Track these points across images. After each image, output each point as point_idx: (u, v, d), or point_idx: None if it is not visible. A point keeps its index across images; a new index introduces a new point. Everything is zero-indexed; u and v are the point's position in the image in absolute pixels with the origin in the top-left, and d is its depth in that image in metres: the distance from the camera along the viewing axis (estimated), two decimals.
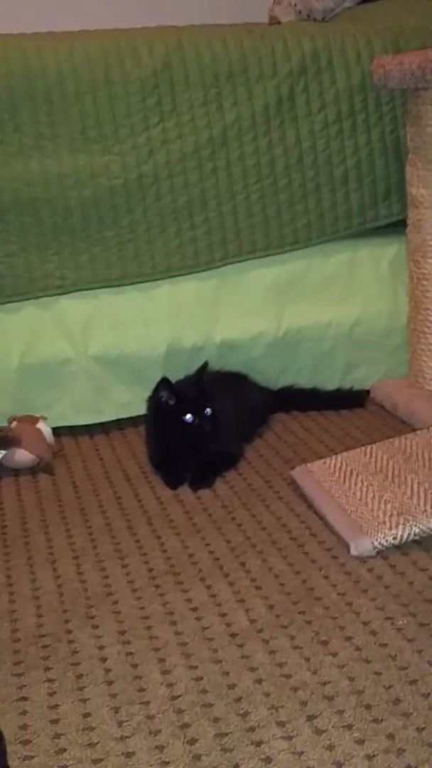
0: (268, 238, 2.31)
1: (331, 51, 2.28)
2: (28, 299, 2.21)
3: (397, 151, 2.33)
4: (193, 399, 1.92)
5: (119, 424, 2.28)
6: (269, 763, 1.05)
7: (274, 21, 3.02)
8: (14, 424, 2.11)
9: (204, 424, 1.89)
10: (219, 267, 2.30)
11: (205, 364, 1.97)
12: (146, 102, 2.19)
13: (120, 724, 1.14)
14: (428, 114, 2.10)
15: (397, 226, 2.36)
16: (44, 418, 2.14)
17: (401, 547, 1.55)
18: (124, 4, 3.23)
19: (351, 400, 2.35)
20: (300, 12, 2.89)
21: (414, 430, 2.14)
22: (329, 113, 2.28)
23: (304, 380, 2.38)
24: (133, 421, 2.27)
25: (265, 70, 2.24)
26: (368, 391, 2.37)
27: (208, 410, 1.89)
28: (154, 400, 1.99)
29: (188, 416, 1.89)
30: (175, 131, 2.21)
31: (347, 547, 1.56)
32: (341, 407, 2.33)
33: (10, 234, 2.17)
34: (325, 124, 2.28)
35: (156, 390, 1.97)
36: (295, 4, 2.91)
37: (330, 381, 2.39)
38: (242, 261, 2.31)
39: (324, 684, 1.18)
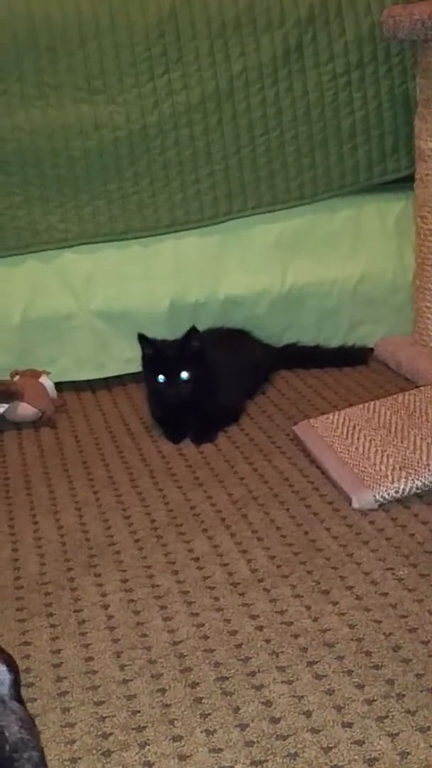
0: (273, 192, 2.28)
1: (340, 0, 2.23)
2: (30, 252, 2.20)
3: (407, 104, 2.29)
4: (170, 361, 1.90)
5: (121, 380, 2.28)
6: (269, 706, 1.06)
7: None
8: (17, 377, 2.11)
9: (180, 387, 1.88)
10: (224, 222, 2.27)
11: (192, 329, 1.94)
12: (152, 51, 2.15)
13: (122, 667, 1.15)
14: None
15: (404, 182, 2.33)
16: (47, 373, 2.14)
17: (403, 501, 1.55)
18: None
19: (354, 357, 2.34)
20: None
21: (417, 386, 2.13)
22: (338, 64, 2.24)
23: (308, 337, 2.36)
24: (135, 377, 2.26)
25: (273, 19, 2.20)
26: (371, 349, 2.36)
27: (184, 374, 1.88)
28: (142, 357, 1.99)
29: (160, 377, 1.89)
30: (180, 82, 2.17)
31: (349, 501, 1.56)
32: (344, 365, 2.32)
33: (12, 186, 2.15)
34: (333, 76, 2.24)
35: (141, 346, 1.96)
36: None
37: (334, 338, 2.38)
38: (247, 216, 2.28)
39: (324, 631, 1.19)
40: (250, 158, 2.25)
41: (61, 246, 2.21)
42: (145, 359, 1.97)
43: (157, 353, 1.93)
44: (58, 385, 2.16)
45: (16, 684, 0.74)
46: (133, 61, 2.14)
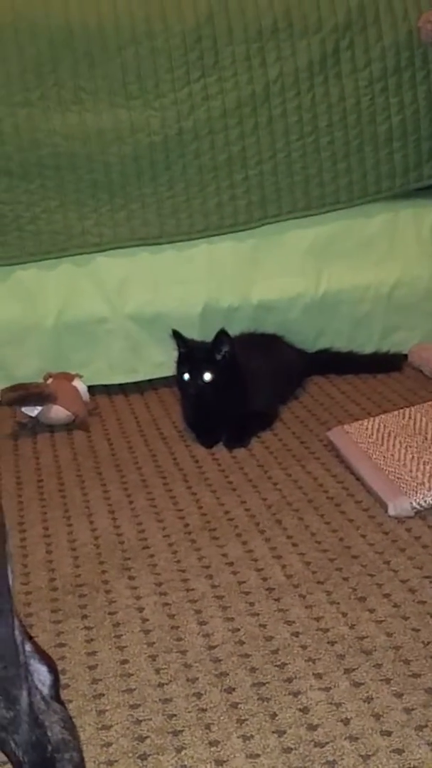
0: (308, 197, 2.27)
1: (378, 5, 2.22)
2: (65, 256, 2.20)
3: None
4: (197, 360, 1.90)
5: (153, 384, 2.28)
6: (306, 713, 1.05)
7: None
8: (50, 380, 2.12)
9: (201, 388, 1.88)
10: (258, 227, 2.27)
11: (221, 332, 1.93)
12: (188, 56, 2.15)
13: (157, 671, 1.14)
14: None
15: None
16: (80, 376, 2.14)
17: None
18: None
19: (388, 363, 2.32)
20: None
21: None
22: (374, 69, 2.23)
23: (341, 343, 2.35)
24: (167, 382, 2.26)
25: (310, 25, 2.19)
26: (406, 355, 2.34)
27: (207, 375, 1.88)
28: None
29: (185, 375, 1.89)
30: (216, 86, 2.17)
31: (385, 508, 1.54)
32: (378, 371, 2.30)
33: (48, 190, 2.16)
34: (369, 81, 2.23)
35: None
36: None
37: (367, 344, 2.36)
38: (281, 221, 2.28)
39: (361, 638, 1.18)
40: (285, 163, 2.24)
41: (95, 250, 2.21)
42: (178, 358, 1.96)
43: (188, 351, 1.93)
44: (91, 389, 2.16)
45: (56, 685, 0.74)
46: (169, 66, 2.15)
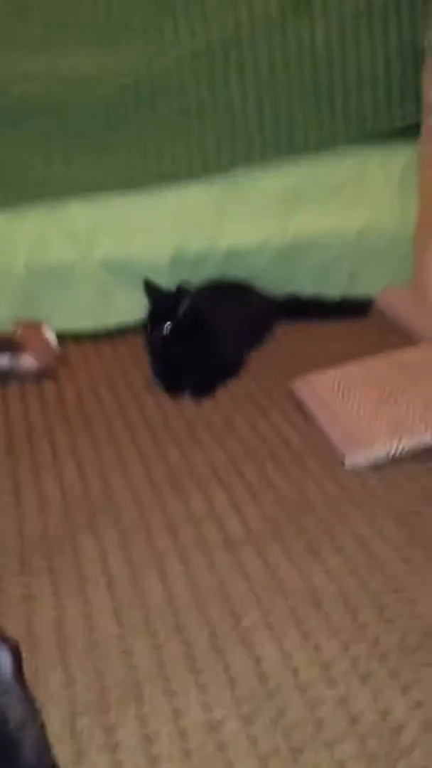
0: (278, 142, 2.26)
1: None
2: (35, 203, 2.20)
3: (415, 54, 2.24)
4: (160, 314, 1.94)
5: (122, 332, 2.30)
6: (259, 664, 1.12)
7: None
8: (20, 329, 2.13)
9: (165, 341, 1.93)
10: (227, 172, 2.26)
11: (181, 287, 1.96)
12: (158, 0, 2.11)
13: (121, 624, 1.20)
14: None
15: (409, 135, 2.30)
16: (47, 327, 2.16)
17: (395, 461, 1.59)
18: None
19: (356, 309, 2.36)
20: None
21: (415, 343, 2.15)
22: (346, 13, 2.20)
23: (309, 288, 2.38)
24: (135, 328, 2.28)
25: None
26: (372, 301, 2.37)
27: (167, 328, 1.93)
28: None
29: (149, 327, 1.95)
30: (187, 30, 2.14)
31: (342, 459, 1.60)
32: (346, 316, 2.34)
33: (18, 136, 2.13)
34: (342, 24, 2.20)
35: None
36: None
37: (335, 289, 2.39)
38: (251, 166, 2.27)
39: (313, 590, 1.24)
40: (255, 107, 2.23)
41: (65, 196, 2.21)
42: (147, 311, 1.99)
43: (154, 305, 1.96)
44: (60, 336, 2.18)
45: (17, 663, 0.79)
46: (139, 8, 2.11)
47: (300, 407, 1.83)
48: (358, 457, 1.58)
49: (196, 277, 2.28)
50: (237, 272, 2.30)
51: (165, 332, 1.93)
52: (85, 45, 2.10)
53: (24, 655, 0.86)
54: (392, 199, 2.35)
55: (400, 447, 1.59)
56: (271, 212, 2.30)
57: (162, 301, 1.96)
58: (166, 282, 2.25)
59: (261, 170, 2.28)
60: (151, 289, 1.98)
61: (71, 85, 2.11)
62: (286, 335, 2.24)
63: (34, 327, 2.14)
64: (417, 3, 2.20)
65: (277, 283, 2.34)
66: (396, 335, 2.20)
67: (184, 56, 2.14)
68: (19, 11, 2.06)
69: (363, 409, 1.71)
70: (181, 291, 1.94)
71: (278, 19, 2.17)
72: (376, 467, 1.58)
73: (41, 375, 2.07)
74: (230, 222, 2.29)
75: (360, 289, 2.39)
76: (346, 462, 1.59)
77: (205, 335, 1.98)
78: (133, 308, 2.28)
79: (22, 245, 2.21)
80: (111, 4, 2.09)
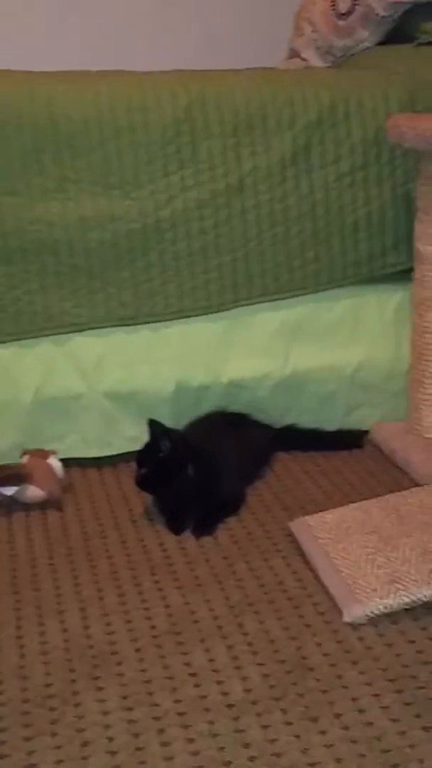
0: (278, 282, 2.38)
1: (348, 104, 2.33)
2: (44, 336, 2.29)
3: (408, 203, 2.38)
4: (149, 447, 2.03)
5: (126, 458, 2.36)
6: None
7: (294, 54, 3.06)
8: (26, 458, 2.20)
9: (142, 481, 2.02)
10: (229, 309, 2.37)
11: (156, 428, 2.04)
12: (166, 149, 2.24)
13: None
14: None
15: (403, 273, 2.43)
16: (54, 453, 2.22)
17: (391, 616, 1.63)
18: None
19: (350, 441, 2.44)
20: (319, 48, 2.94)
21: (410, 478, 2.23)
22: (343, 165, 2.34)
23: (306, 420, 2.46)
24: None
25: (283, 122, 2.30)
26: (366, 433, 2.45)
27: (142, 471, 2.03)
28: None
29: (140, 466, 2.03)
30: (192, 179, 2.27)
31: (340, 613, 1.65)
32: (340, 448, 2.42)
33: (30, 273, 2.24)
34: (338, 176, 2.34)
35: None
36: (316, 39, 2.95)
37: (331, 421, 2.47)
38: (252, 304, 2.38)
39: (312, 766, 1.27)
40: (257, 251, 2.35)
41: (73, 330, 2.30)
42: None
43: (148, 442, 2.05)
44: (65, 462, 2.24)
45: None
46: (148, 158, 2.24)
47: (298, 549, 1.88)
48: (355, 612, 1.63)
49: (199, 408, 2.37)
50: (237, 404, 2.39)
51: (141, 473, 2.02)
52: (96, 194, 2.22)
53: None
54: (387, 336, 2.46)
55: (397, 603, 1.64)
56: (270, 347, 2.40)
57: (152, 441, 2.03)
58: (169, 412, 2.34)
59: (262, 308, 2.39)
60: (152, 428, 2.04)
61: (82, 228, 2.23)
62: (282, 467, 2.31)
63: (40, 455, 2.20)
64: (409, 158, 2.35)
65: (274, 414, 2.43)
66: (389, 471, 2.27)
67: (189, 204, 2.27)
68: (35, 163, 2.19)
69: (360, 558, 1.76)
70: (156, 435, 2.02)
71: (279, 170, 2.30)
72: (373, 622, 1.62)
73: (47, 504, 2.13)
74: (232, 356, 2.39)
75: (356, 423, 2.47)
76: (345, 616, 1.63)
77: (208, 470, 2.04)
78: (137, 436, 2.35)
79: (31, 376, 2.29)
80: (122, 156, 2.22)
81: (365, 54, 2.76)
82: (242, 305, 2.37)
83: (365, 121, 2.34)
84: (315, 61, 2.98)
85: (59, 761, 1.29)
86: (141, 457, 2.06)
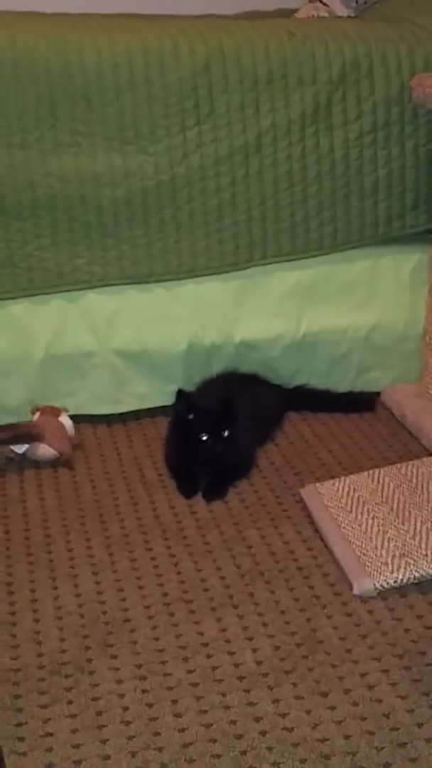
0: (293, 243, 2.34)
1: (372, 59, 2.26)
2: (56, 293, 2.26)
3: (429, 163, 2.33)
4: (213, 418, 1.99)
5: (136, 414, 2.37)
6: None
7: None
8: (37, 415, 2.20)
9: (217, 445, 1.97)
10: (244, 269, 2.34)
11: (228, 402, 2.00)
12: (184, 104, 2.18)
13: None
14: None
15: (421, 234, 2.39)
16: (66, 411, 2.22)
17: (400, 589, 1.65)
18: None
19: (361, 403, 2.43)
20: None
21: (421, 444, 2.23)
22: (365, 123, 2.28)
23: (317, 381, 2.45)
24: (149, 412, 2.36)
25: (304, 77, 2.23)
26: (378, 394, 2.45)
27: (226, 433, 1.97)
28: (174, 411, 2.07)
29: (204, 436, 1.97)
30: (210, 134, 2.21)
31: (350, 584, 1.66)
32: (351, 410, 2.41)
33: (42, 229, 2.20)
34: (360, 134, 2.28)
35: (176, 401, 2.04)
36: None
37: (342, 383, 2.46)
38: (267, 264, 2.35)
39: (322, 741, 1.30)
40: (273, 210, 2.30)
41: (85, 287, 2.27)
42: (182, 415, 2.02)
43: (198, 412, 2.00)
44: (75, 419, 2.24)
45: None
46: (165, 113, 2.18)
47: (308, 516, 1.90)
48: (365, 586, 1.64)
49: (210, 368, 2.36)
50: (249, 364, 2.37)
51: (218, 439, 1.97)
52: (110, 149, 2.17)
53: None
54: (402, 298, 2.43)
55: (407, 577, 1.65)
56: (284, 308, 2.38)
57: (208, 412, 2.00)
58: (180, 372, 2.33)
59: (276, 268, 2.36)
60: (187, 400, 2.02)
61: (95, 185, 2.18)
62: (293, 429, 2.31)
63: (52, 413, 2.20)
64: None
65: (285, 374, 2.42)
66: (400, 436, 2.27)
67: (206, 160, 2.22)
68: (48, 116, 2.13)
69: (371, 530, 1.78)
70: (231, 407, 1.99)
71: (299, 127, 2.24)
72: (382, 595, 1.64)
73: (58, 462, 2.13)
74: (245, 316, 2.36)
75: (367, 385, 2.46)
76: (354, 589, 1.65)
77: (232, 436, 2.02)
78: (147, 394, 2.36)
79: (42, 332, 2.27)
80: (137, 110, 2.16)
81: (390, 3, 2.66)
82: (257, 265, 2.34)
83: (389, 78, 2.27)
84: (337, 5, 2.87)
85: (75, 730, 1.33)
86: (209, 426, 1.98)
